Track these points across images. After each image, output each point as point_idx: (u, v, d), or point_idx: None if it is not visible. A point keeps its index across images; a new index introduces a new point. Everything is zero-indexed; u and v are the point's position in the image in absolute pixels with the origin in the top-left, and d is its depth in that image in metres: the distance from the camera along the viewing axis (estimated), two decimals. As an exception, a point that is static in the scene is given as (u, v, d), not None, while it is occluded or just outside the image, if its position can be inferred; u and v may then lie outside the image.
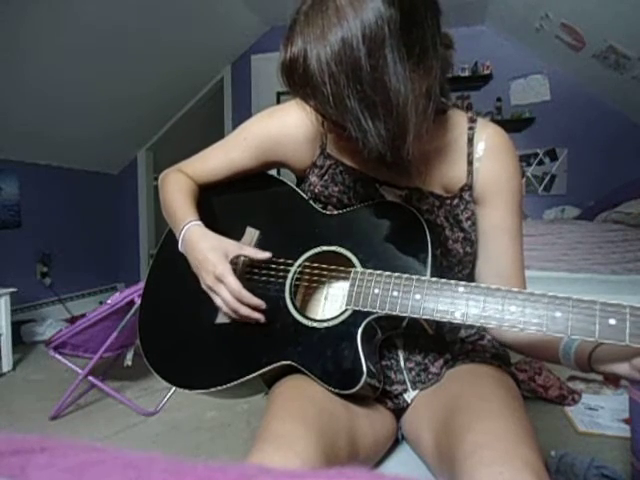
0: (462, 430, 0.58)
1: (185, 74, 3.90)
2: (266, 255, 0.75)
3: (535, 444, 0.56)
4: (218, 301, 0.73)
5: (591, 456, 1.42)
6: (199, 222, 0.78)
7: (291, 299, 0.73)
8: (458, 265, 0.76)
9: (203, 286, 0.75)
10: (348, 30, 0.52)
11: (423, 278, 0.63)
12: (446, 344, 0.77)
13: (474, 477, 0.51)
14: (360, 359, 0.64)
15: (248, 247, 0.76)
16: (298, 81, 0.58)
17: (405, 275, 0.64)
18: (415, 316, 0.62)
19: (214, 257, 0.72)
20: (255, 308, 0.72)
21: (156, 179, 4.37)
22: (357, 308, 0.66)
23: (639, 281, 2.47)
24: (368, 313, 0.66)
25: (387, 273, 0.65)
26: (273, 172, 0.88)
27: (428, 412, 0.70)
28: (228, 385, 0.72)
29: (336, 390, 0.65)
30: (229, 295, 0.71)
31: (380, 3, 0.52)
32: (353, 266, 0.70)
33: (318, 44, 0.53)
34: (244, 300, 0.71)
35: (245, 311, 0.71)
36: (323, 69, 0.54)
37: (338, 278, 0.76)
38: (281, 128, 0.78)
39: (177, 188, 0.84)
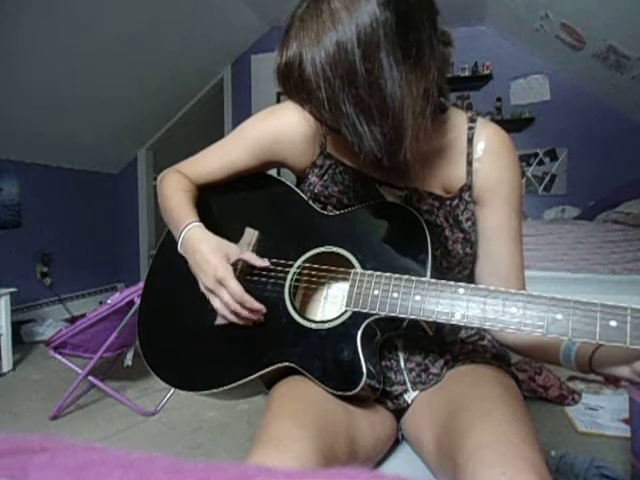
0: (463, 430, 0.58)
1: (185, 74, 3.90)
2: (265, 263, 0.74)
3: (537, 444, 0.55)
4: (217, 304, 0.72)
5: (591, 456, 1.42)
6: (199, 223, 0.77)
7: (290, 300, 0.73)
8: (458, 266, 0.75)
9: (202, 287, 0.74)
10: (343, 34, 0.52)
11: (423, 279, 0.63)
12: (446, 345, 0.77)
13: (476, 477, 0.51)
14: (360, 361, 0.64)
15: (248, 252, 0.75)
16: (294, 86, 0.58)
17: (405, 276, 0.64)
18: (415, 317, 0.62)
19: (215, 259, 0.71)
20: (255, 312, 0.71)
21: (156, 179, 4.36)
22: (357, 309, 0.66)
23: (639, 281, 2.47)
24: (368, 314, 0.66)
25: (387, 274, 0.65)
26: (273, 172, 0.88)
27: (429, 412, 0.70)
28: (227, 387, 0.72)
29: (336, 392, 0.65)
30: (230, 298, 0.70)
31: (375, 6, 0.52)
32: (352, 267, 0.70)
33: (313, 48, 0.53)
34: (246, 304, 0.70)
35: (246, 314, 0.70)
36: (318, 73, 0.53)
37: (337, 279, 0.75)
38: (280, 127, 0.78)
39: (176, 189, 0.83)
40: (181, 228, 0.77)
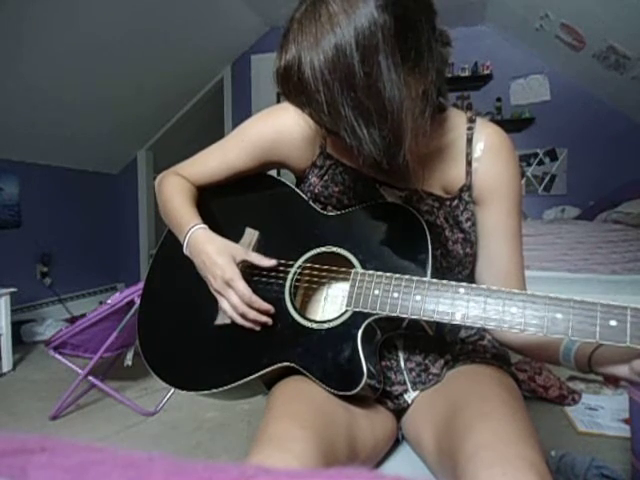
0: (463, 430, 0.58)
1: (185, 74, 3.90)
2: (271, 262, 0.74)
3: (537, 444, 0.55)
4: (225, 305, 0.72)
5: (591, 456, 1.42)
6: (204, 225, 0.77)
7: (291, 300, 0.73)
8: (458, 266, 0.75)
9: (211, 289, 0.74)
10: (341, 37, 0.52)
11: (423, 279, 0.63)
12: (446, 345, 0.77)
13: (476, 477, 0.51)
14: (360, 360, 0.64)
15: (253, 253, 0.75)
16: (293, 89, 0.58)
17: (405, 276, 0.64)
18: (415, 317, 0.62)
19: (222, 261, 0.71)
20: (263, 312, 0.71)
21: (156, 179, 4.36)
22: (357, 309, 0.66)
23: (639, 281, 2.47)
24: (368, 314, 0.66)
25: (387, 274, 0.65)
26: (273, 172, 0.87)
27: (429, 412, 0.70)
28: (227, 387, 0.72)
29: (336, 392, 0.65)
30: (238, 300, 0.70)
31: (373, 9, 0.52)
32: (353, 267, 0.70)
33: (312, 51, 0.53)
34: (254, 305, 0.70)
35: (254, 315, 0.70)
36: (317, 76, 0.54)
37: (338, 279, 0.75)
38: (280, 127, 0.78)
39: (176, 191, 0.83)
40: (185, 230, 0.77)
